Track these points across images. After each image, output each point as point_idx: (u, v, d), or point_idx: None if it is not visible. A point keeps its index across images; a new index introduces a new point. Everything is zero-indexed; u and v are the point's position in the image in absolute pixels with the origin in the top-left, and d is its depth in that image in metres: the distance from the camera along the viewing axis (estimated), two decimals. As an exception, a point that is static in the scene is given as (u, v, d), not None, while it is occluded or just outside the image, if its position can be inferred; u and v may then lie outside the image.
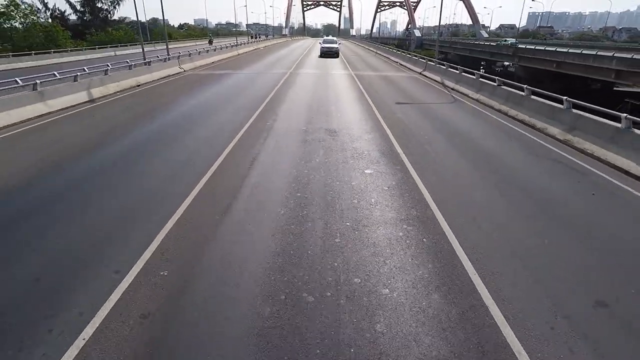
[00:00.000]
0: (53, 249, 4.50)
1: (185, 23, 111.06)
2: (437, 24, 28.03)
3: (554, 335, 3.36)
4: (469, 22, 79.97)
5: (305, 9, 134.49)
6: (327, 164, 7.44)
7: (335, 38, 47.25)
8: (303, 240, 4.73)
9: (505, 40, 50.25)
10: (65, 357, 3.03)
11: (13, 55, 25.70)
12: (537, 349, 3.21)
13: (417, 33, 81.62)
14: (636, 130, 7.74)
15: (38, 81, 11.59)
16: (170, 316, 3.50)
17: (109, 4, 53.87)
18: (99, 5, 52.62)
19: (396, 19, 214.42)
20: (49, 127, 10.08)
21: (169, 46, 28.05)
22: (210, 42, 46.03)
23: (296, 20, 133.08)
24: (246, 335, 3.29)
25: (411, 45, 74.55)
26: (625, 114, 7.99)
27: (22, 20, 33.10)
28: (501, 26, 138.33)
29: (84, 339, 3.19)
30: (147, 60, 19.34)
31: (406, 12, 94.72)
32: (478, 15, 74.44)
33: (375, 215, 5.44)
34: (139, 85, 16.64)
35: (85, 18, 50.94)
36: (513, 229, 5.18)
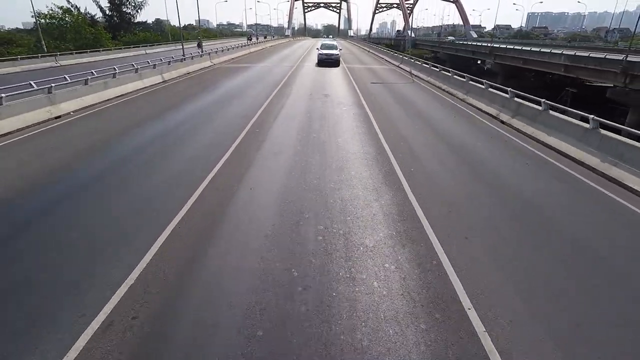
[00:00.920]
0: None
1: (189, 24, 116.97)
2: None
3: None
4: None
5: (306, 10, 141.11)
6: (323, 106, 13.90)
7: (334, 42, 37.66)
8: (310, 126, 11.14)
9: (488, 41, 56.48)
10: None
11: (76, 53, 32.31)
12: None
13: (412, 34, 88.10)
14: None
15: (137, 67, 18.07)
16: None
17: (132, 8, 60.63)
18: (124, 9, 59.36)
19: (396, 20, 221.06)
20: (150, 95, 16.55)
21: (185, 45, 32.52)
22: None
23: (297, 21, 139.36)
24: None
25: (406, 45, 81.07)
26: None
27: (72, 23, 39.89)
28: (497, 27, 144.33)
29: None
30: (186, 56, 25.76)
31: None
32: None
33: (345, 121, 11.84)
34: (188, 73, 23.10)
35: (112, 21, 57.66)
36: (429, 137, 11.58)
